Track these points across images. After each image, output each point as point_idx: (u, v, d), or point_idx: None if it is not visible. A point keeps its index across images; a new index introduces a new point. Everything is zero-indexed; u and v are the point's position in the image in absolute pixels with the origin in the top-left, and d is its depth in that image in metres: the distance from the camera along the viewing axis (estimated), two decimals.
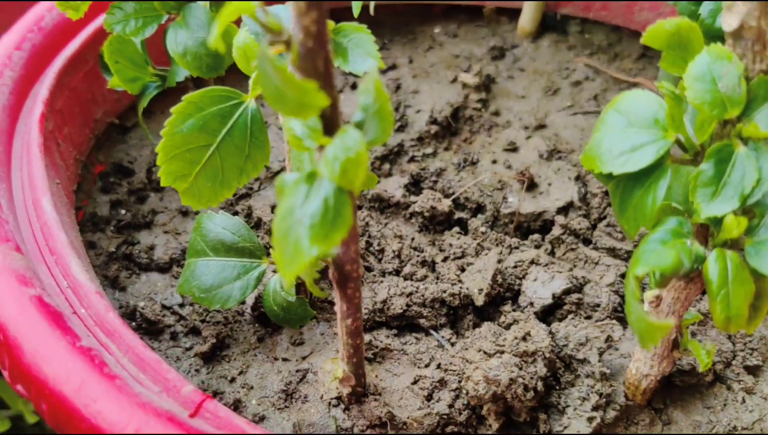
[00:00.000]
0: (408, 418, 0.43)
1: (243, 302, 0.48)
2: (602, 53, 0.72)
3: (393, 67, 0.71)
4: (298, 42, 0.29)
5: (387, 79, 0.69)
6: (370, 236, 0.56)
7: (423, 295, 0.50)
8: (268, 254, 0.47)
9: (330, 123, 0.31)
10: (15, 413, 0.72)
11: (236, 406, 0.45)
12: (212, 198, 0.41)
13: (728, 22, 0.33)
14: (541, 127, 0.65)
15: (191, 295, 0.47)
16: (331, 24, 0.38)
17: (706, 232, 0.36)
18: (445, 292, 0.50)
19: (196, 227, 0.48)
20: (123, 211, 0.56)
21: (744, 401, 0.46)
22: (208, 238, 0.47)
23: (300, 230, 0.30)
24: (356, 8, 0.47)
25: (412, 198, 0.58)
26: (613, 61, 0.71)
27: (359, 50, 0.38)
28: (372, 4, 0.53)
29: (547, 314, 0.50)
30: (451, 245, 0.55)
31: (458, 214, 0.58)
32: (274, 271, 0.48)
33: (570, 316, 0.49)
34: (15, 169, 0.45)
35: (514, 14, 0.75)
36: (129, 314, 0.50)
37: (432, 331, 0.49)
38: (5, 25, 0.56)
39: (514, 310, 0.50)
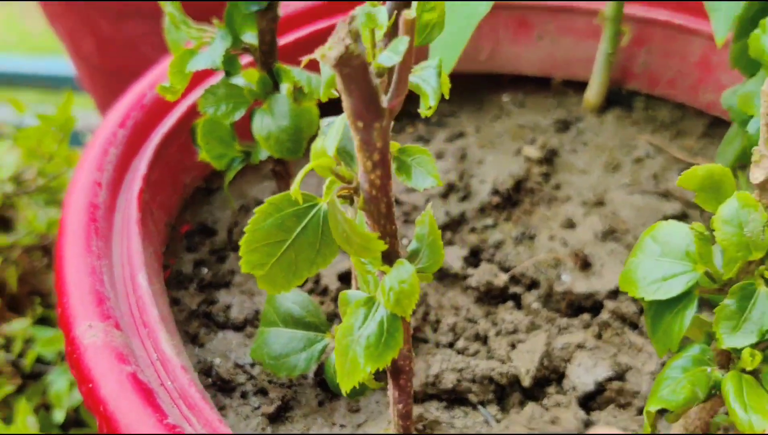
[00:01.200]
0: None
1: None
2: (665, 130, 0.74)
3: (460, 135, 0.75)
4: (364, 190, 0.34)
5: (454, 147, 0.73)
6: (427, 306, 0.60)
7: (473, 371, 0.54)
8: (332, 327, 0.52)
9: (389, 254, 0.36)
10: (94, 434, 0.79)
11: None
12: (285, 286, 0.46)
13: (755, 175, 0.36)
14: (600, 204, 0.68)
15: (262, 362, 0.52)
16: (396, 145, 0.43)
17: (729, 356, 0.39)
18: (494, 370, 0.54)
19: (269, 299, 0.53)
20: (205, 270, 0.62)
21: None
22: (280, 311, 0.52)
23: (357, 349, 0.35)
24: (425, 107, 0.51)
25: (470, 270, 0.62)
26: (675, 138, 0.73)
27: (421, 169, 0.43)
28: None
29: (589, 399, 0.53)
30: (503, 320, 0.59)
31: (513, 289, 0.62)
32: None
33: (611, 405, 0.52)
34: (115, 242, 0.52)
35: (581, 87, 0.78)
36: (206, 370, 0.55)
37: (480, 407, 0.53)
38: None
39: (557, 392, 0.54)
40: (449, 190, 0.70)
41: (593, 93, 0.76)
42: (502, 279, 0.61)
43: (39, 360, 0.79)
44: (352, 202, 0.37)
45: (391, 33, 0.37)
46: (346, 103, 0.31)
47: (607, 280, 0.61)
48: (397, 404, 0.45)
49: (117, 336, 0.44)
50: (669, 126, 0.74)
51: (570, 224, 0.66)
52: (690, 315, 0.38)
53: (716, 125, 0.74)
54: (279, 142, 0.56)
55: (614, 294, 0.60)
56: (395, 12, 0.38)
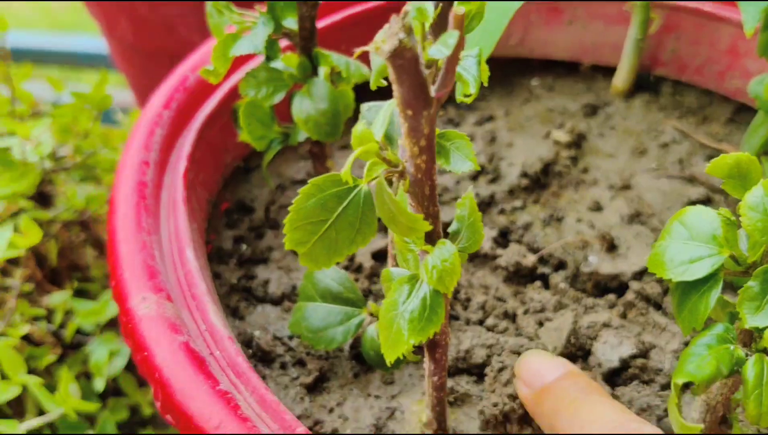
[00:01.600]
0: None
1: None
2: (692, 115, 0.75)
3: (490, 118, 0.77)
4: (410, 174, 0.36)
5: (484, 130, 0.75)
6: (458, 285, 0.62)
7: (503, 347, 0.56)
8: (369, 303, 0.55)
9: (432, 233, 0.38)
10: (133, 403, 0.82)
11: None
12: (326, 262, 0.49)
13: None
14: (626, 188, 0.70)
15: (300, 335, 0.55)
16: (438, 131, 0.45)
17: (751, 335, 0.41)
18: (522, 346, 0.56)
19: (308, 275, 0.55)
20: (244, 247, 0.65)
21: None
22: (318, 286, 0.55)
23: (401, 323, 0.37)
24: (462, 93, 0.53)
25: (499, 250, 0.64)
26: (701, 123, 0.75)
27: (459, 153, 0.45)
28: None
29: (614, 375, 0.55)
30: (532, 299, 0.61)
31: (541, 269, 0.64)
32: (371, 322, 0.55)
33: (635, 381, 0.54)
34: (163, 219, 0.54)
35: (609, 72, 0.79)
36: (247, 342, 0.58)
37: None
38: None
39: (583, 368, 0.56)
40: (479, 172, 0.72)
41: (621, 78, 0.77)
42: (530, 260, 0.63)
43: (79, 331, 0.82)
44: (391, 184, 0.39)
45: (436, 25, 0.39)
46: (396, 92, 0.33)
47: (632, 261, 0.63)
48: (432, 377, 0.47)
49: (169, 307, 0.46)
50: (695, 112, 0.76)
51: (597, 207, 0.68)
52: (715, 296, 0.40)
53: (742, 111, 0.75)
54: (317, 124, 0.58)
55: (639, 275, 0.62)
56: (441, 4, 0.40)
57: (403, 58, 0.31)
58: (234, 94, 0.64)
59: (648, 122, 0.75)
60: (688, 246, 0.41)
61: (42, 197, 0.88)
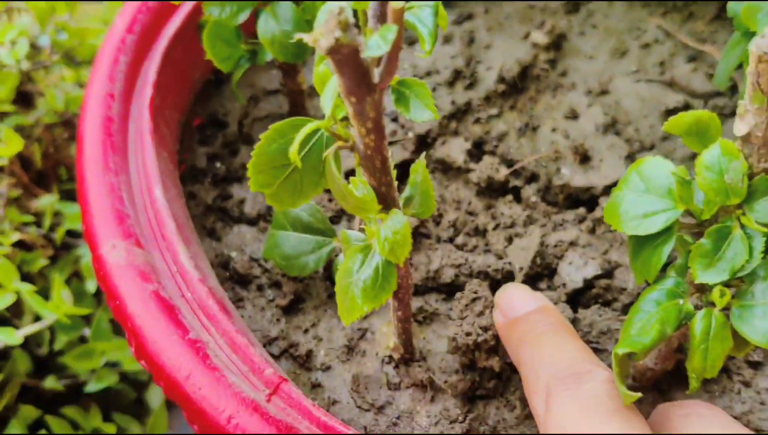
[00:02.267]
0: (444, 383, 0.53)
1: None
2: (677, 12, 0.73)
3: (469, 17, 0.74)
4: (360, 150, 0.36)
5: (463, 30, 0.73)
6: None
7: (471, 267, 0.58)
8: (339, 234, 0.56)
9: (387, 198, 0.38)
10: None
11: (308, 356, 0.55)
12: (291, 204, 0.49)
13: (739, 128, 0.37)
14: (604, 93, 0.68)
15: (274, 261, 0.56)
16: (396, 78, 0.44)
17: (701, 289, 0.42)
18: (490, 266, 0.58)
19: None
20: (218, 164, 0.65)
21: (739, 392, 0.53)
22: (289, 216, 0.56)
23: (355, 290, 0.38)
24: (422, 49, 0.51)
25: (473, 164, 0.64)
26: (686, 21, 0.72)
27: (419, 101, 0.44)
28: None
29: (578, 295, 0.57)
30: (503, 214, 0.62)
31: (513, 182, 0.64)
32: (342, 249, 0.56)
33: (597, 304, 0.56)
34: (131, 153, 0.54)
35: None
36: (224, 264, 0.60)
37: None
38: None
39: (548, 289, 0.58)
40: (456, 77, 0.70)
41: None
42: (502, 174, 0.63)
43: (68, 233, 0.84)
44: (352, 150, 0.39)
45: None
46: (338, 81, 0.32)
47: (604, 174, 0.63)
48: (396, 311, 0.49)
49: (139, 254, 0.48)
50: (681, 8, 0.73)
51: (573, 115, 0.67)
52: (667, 250, 0.41)
53: None
54: (283, 46, 0.57)
55: (610, 189, 0.62)
56: None
57: (341, 53, 0.30)
58: (198, 9, 0.62)
59: (631, 20, 0.72)
60: (644, 199, 0.42)
61: (23, 97, 0.87)
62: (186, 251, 0.50)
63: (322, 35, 0.30)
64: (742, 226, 0.39)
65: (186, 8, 0.62)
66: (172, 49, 0.60)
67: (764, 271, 0.40)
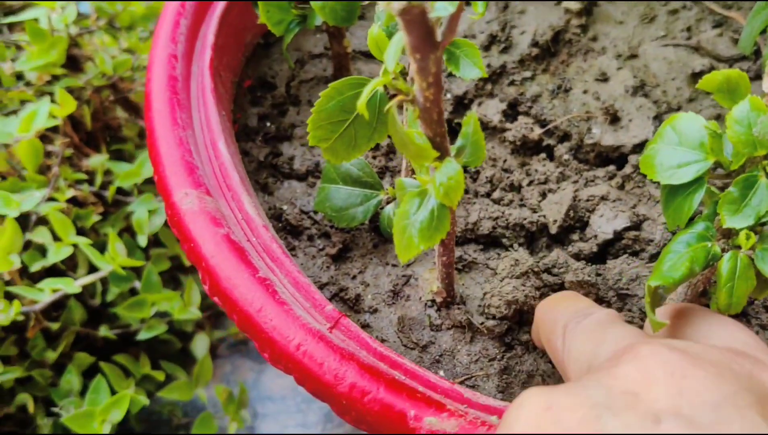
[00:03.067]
0: (481, 325, 0.57)
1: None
2: None
3: None
4: (419, 103, 0.40)
5: None
6: None
7: (507, 220, 0.62)
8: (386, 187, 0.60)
9: (441, 148, 0.42)
10: (173, 254, 0.90)
11: (357, 299, 0.59)
12: (346, 157, 0.53)
13: (766, 84, 0.41)
14: (633, 57, 0.72)
15: (325, 213, 0.60)
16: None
17: (729, 234, 0.46)
18: (525, 219, 0.62)
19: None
20: (268, 124, 0.69)
21: (757, 334, 0.57)
22: (340, 170, 0.60)
23: (412, 231, 0.42)
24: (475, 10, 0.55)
25: (508, 124, 0.68)
26: None
27: (468, 60, 0.48)
28: None
29: (608, 246, 0.61)
30: (536, 171, 0.66)
31: (547, 141, 0.68)
32: (388, 202, 0.60)
33: (626, 254, 0.60)
34: (194, 109, 0.58)
35: None
36: (277, 216, 0.64)
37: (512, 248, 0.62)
38: None
39: (580, 240, 0.62)
40: (492, 41, 0.74)
41: None
42: (536, 133, 0.67)
43: (119, 191, 0.89)
44: (413, 102, 0.43)
45: None
46: (405, 39, 0.36)
47: (633, 134, 0.67)
48: (441, 256, 0.53)
49: (209, 202, 0.52)
50: None
51: (603, 77, 0.71)
52: (698, 198, 0.45)
53: None
54: (333, 10, 0.61)
55: (639, 148, 0.66)
56: None
57: (411, 14, 0.34)
58: None
59: None
60: (677, 151, 0.46)
61: (71, 61, 0.91)
62: (250, 200, 0.54)
63: None
64: (767, 176, 0.43)
65: None
66: (227, 13, 0.64)
67: None
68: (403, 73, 0.52)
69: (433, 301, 0.59)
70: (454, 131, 0.69)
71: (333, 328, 0.49)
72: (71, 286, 0.77)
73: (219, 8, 0.63)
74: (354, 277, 0.61)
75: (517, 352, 0.56)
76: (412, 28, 0.35)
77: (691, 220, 0.46)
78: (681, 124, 0.46)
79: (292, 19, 0.64)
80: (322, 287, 0.60)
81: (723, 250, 0.45)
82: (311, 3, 0.61)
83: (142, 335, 0.84)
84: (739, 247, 0.44)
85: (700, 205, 0.47)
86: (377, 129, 0.53)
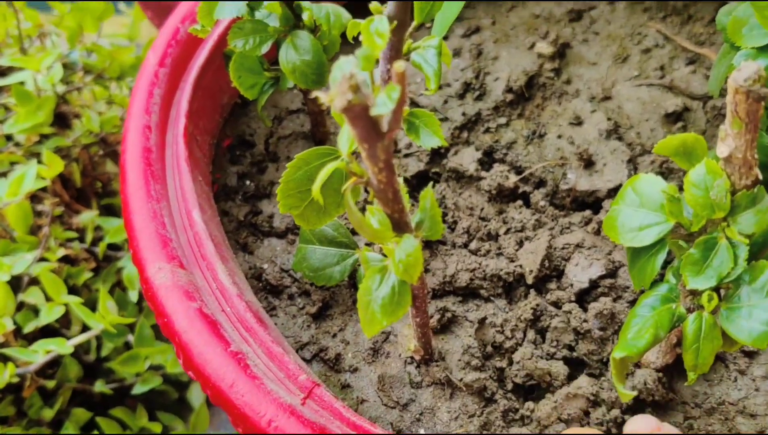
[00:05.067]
0: (460, 380, 0.57)
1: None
2: (676, 15, 0.76)
3: (477, 30, 0.78)
4: (373, 185, 0.40)
5: (471, 43, 0.77)
6: (446, 208, 0.68)
7: (484, 271, 0.62)
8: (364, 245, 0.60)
9: (400, 223, 0.43)
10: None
11: (337, 359, 0.60)
12: (317, 223, 0.54)
13: (721, 150, 0.41)
14: (607, 98, 0.72)
15: (303, 273, 0.61)
16: (407, 110, 0.48)
17: (694, 291, 0.46)
18: (502, 269, 0.62)
19: None
20: (248, 182, 0.70)
21: (736, 380, 0.57)
22: (315, 232, 0.61)
23: (375, 307, 0.43)
24: (427, 86, 0.56)
25: (483, 172, 0.69)
26: (686, 23, 0.75)
27: (428, 129, 0.48)
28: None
29: (585, 294, 0.62)
30: (513, 218, 0.66)
31: (522, 188, 0.68)
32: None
33: (603, 299, 0.60)
34: (169, 179, 0.59)
35: None
36: (257, 276, 0.65)
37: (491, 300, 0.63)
38: None
39: (557, 288, 0.62)
40: (466, 89, 0.74)
41: None
42: (512, 181, 0.68)
43: (109, 246, 0.90)
44: (367, 185, 0.43)
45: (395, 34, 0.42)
46: (352, 132, 0.36)
47: (607, 178, 0.67)
48: (415, 318, 0.54)
49: (182, 275, 0.53)
50: (680, 11, 0.76)
51: (578, 121, 0.71)
52: (661, 260, 0.45)
53: None
54: (304, 74, 0.62)
55: (613, 192, 0.66)
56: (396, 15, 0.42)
57: (353, 111, 0.34)
58: (224, 38, 0.67)
59: (631, 25, 0.76)
60: (639, 213, 0.46)
61: (59, 119, 0.93)
62: (224, 269, 0.55)
63: (336, 96, 0.34)
64: (727, 237, 0.43)
65: (212, 38, 0.66)
66: (201, 78, 0.65)
67: (748, 276, 0.44)
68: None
69: (413, 357, 0.59)
70: (430, 180, 0.70)
71: (306, 399, 0.50)
72: (64, 346, 0.77)
73: (193, 73, 0.64)
74: (334, 335, 0.62)
75: (496, 407, 0.56)
76: (357, 123, 0.36)
77: (663, 268, 0.47)
78: (641, 185, 0.46)
79: (265, 81, 0.65)
80: (302, 347, 0.60)
81: (689, 310, 0.46)
82: (281, 66, 0.62)
83: (137, 389, 0.85)
84: (703, 308, 0.45)
85: (670, 254, 0.47)
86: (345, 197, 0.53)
